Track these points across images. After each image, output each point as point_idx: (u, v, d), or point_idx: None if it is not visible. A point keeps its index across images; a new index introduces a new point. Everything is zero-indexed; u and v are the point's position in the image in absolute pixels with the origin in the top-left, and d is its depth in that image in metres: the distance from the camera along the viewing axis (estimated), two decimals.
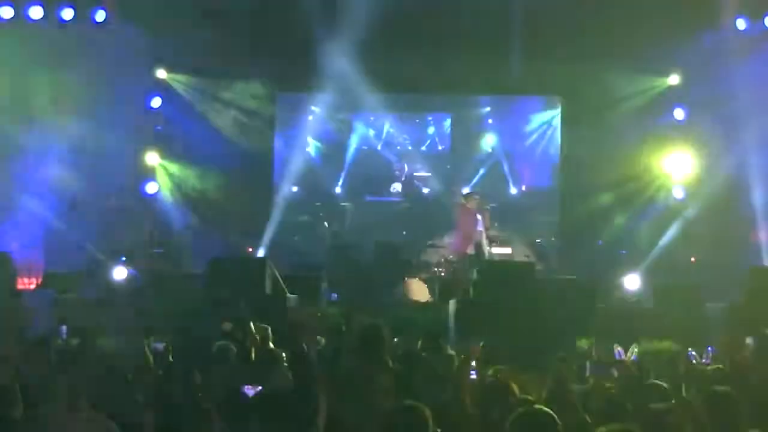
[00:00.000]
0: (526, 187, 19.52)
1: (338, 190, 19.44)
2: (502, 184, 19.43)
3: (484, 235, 13.84)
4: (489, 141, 20.09)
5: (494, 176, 19.45)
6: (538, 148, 19.42)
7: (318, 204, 18.75)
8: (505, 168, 19.57)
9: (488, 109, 19.82)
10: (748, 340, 8.93)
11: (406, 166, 19.96)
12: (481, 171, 19.63)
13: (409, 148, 20.37)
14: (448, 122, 20.52)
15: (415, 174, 20.12)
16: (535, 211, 17.86)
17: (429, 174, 19.86)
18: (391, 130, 20.24)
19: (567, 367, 6.84)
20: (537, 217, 17.62)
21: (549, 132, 19.31)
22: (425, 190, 19.84)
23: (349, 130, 19.65)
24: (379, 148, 20.11)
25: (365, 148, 20.02)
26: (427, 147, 20.48)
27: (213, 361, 7.06)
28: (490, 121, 20.03)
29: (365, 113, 19.32)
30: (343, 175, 19.47)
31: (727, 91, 13.88)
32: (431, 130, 20.58)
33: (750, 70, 13.89)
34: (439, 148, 20.49)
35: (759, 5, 14.58)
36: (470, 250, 13.91)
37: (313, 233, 18.19)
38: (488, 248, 14.16)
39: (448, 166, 19.95)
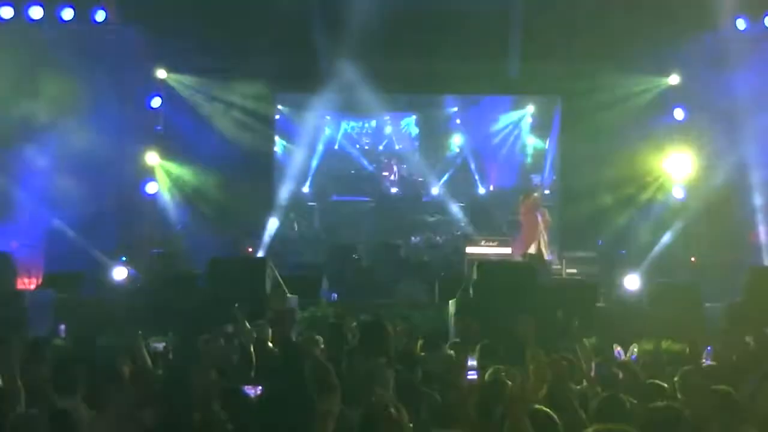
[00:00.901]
0: (493, 187, 19.48)
1: (305, 189, 19.24)
2: (470, 184, 19.40)
3: (543, 235, 13.66)
4: (456, 141, 20.04)
5: (462, 176, 19.41)
6: (505, 148, 19.47)
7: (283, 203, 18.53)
8: (473, 168, 19.54)
9: (455, 109, 19.78)
10: (748, 340, 8.91)
11: (395, 165, 19.89)
12: (450, 171, 19.61)
13: (366, 147, 20.28)
14: (404, 122, 20.45)
15: (403, 174, 20.05)
16: (503, 211, 17.87)
17: (418, 174, 19.79)
18: (349, 130, 20.16)
19: (568, 367, 6.83)
20: (506, 216, 17.64)
21: (516, 132, 19.41)
22: (393, 190, 19.74)
23: (316, 129, 19.44)
24: (336, 147, 19.95)
25: (332, 147, 19.89)
26: (384, 146, 20.42)
27: (203, 354, 7.08)
28: (458, 121, 19.99)
29: (335, 113, 19.25)
30: (311, 174, 19.27)
31: (727, 91, 13.87)
32: (388, 129, 20.51)
33: (750, 70, 13.89)
34: (397, 147, 20.42)
35: (759, 5, 14.59)
36: (532, 249, 13.73)
37: (281, 233, 18.06)
38: (547, 249, 13.93)
39: (404, 165, 19.84)
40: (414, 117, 20.56)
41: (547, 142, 19.05)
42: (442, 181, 19.37)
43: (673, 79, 15.47)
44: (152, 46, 15.02)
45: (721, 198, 14.36)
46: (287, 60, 15.28)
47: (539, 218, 13.67)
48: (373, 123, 20.49)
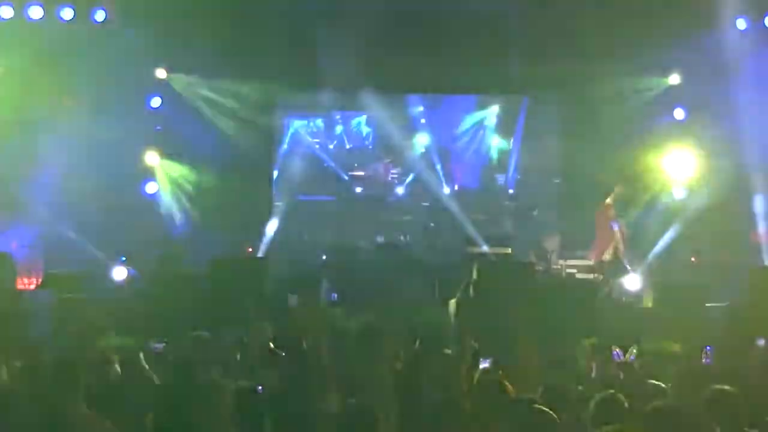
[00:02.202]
0: (458, 187, 19.19)
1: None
2: (435, 184, 19.13)
3: (621, 239, 13.54)
4: (422, 140, 19.55)
5: (426, 176, 19.10)
6: (470, 148, 19.28)
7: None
8: (438, 168, 19.20)
9: (421, 108, 19.42)
10: (761, 342, 8.89)
11: (390, 166, 19.53)
12: (415, 170, 19.13)
13: (317, 147, 19.81)
14: (355, 121, 20.04)
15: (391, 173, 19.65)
16: (467, 211, 17.73)
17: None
18: (301, 130, 19.71)
19: (568, 366, 6.84)
20: (469, 216, 17.53)
21: (481, 132, 19.24)
22: (358, 189, 19.35)
23: (281, 128, 19.04)
24: (285, 147, 19.38)
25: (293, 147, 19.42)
26: (334, 146, 20.03)
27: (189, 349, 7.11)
28: (423, 120, 19.49)
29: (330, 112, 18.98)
30: (275, 174, 18.81)
31: (727, 91, 13.87)
32: (339, 128, 20.13)
33: (750, 71, 13.89)
34: (347, 147, 20.01)
35: (759, 5, 14.58)
36: (606, 256, 13.64)
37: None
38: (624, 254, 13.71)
39: (356, 164, 19.41)
40: (365, 116, 19.90)
41: (512, 142, 18.96)
42: (407, 181, 19.20)
43: (673, 79, 15.48)
44: (152, 46, 15.00)
45: (721, 198, 14.35)
46: (288, 60, 15.30)
47: (615, 227, 13.62)
48: (319, 122, 19.98)
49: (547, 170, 18.12)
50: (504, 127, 19.24)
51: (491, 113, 19.37)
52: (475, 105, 19.31)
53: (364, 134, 20.25)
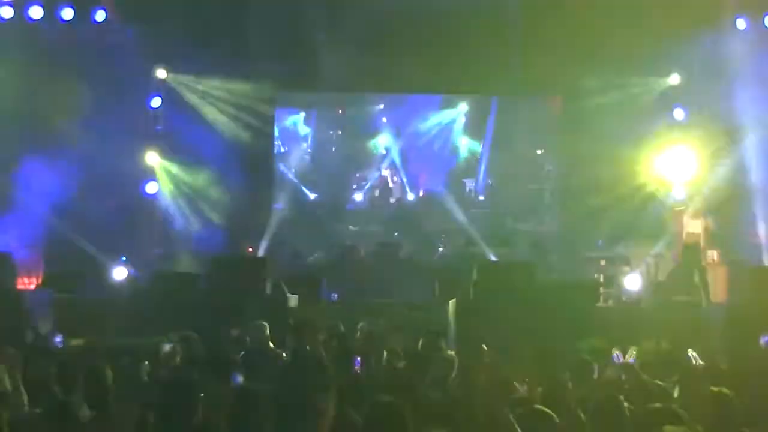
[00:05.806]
0: (423, 192, 18.26)
1: None
2: (398, 189, 18.24)
3: (702, 245, 13.42)
4: (382, 141, 18.57)
5: (388, 180, 18.15)
6: (435, 150, 18.34)
7: None
8: (401, 172, 18.30)
9: (381, 106, 18.42)
10: (763, 340, 8.89)
11: (389, 170, 18.88)
12: (375, 174, 18.32)
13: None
14: (290, 119, 18.88)
15: (394, 179, 18.71)
16: (433, 218, 17.27)
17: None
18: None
19: (567, 367, 6.84)
20: (439, 225, 17.11)
21: (446, 134, 18.42)
22: (312, 196, 18.26)
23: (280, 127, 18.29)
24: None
25: None
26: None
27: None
28: (384, 119, 18.52)
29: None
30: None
31: (727, 91, 13.88)
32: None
33: (750, 71, 13.90)
34: (282, 150, 18.68)
35: (759, 5, 14.61)
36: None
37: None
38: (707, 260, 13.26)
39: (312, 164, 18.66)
40: (302, 114, 18.79)
41: (482, 144, 18.32)
42: (367, 186, 18.26)
43: (673, 79, 15.49)
44: (152, 46, 15.02)
45: (721, 198, 14.36)
46: (287, 59, 15.30)
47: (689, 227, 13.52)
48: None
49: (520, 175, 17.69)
50: (473, 127, 18.27)
51: (460, 113, 18.31)
52: (441, 103, 18.18)
53: (302, 134, 18.94)
